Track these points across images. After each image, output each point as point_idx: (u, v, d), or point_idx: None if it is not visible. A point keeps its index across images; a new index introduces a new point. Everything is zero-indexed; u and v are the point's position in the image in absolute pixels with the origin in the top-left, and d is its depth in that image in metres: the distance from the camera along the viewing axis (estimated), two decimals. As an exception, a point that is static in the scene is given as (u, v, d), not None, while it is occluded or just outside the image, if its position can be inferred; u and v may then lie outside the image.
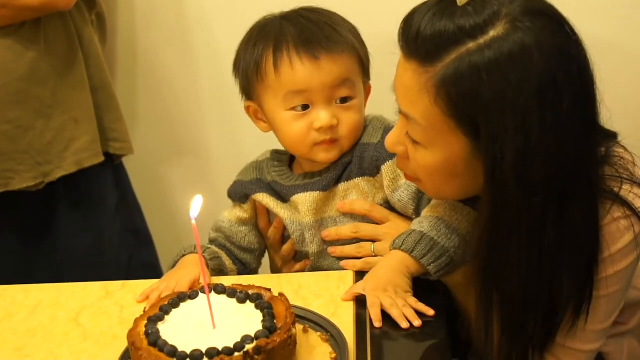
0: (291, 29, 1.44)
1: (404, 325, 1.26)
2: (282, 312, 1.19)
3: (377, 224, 1.48)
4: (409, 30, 1.18)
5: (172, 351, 1.11)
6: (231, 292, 1.23)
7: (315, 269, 1.52)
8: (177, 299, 1.23)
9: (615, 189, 1.22)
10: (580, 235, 1.19)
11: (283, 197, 1.53)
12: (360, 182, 1.47)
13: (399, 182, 1.44)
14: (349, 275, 1.42)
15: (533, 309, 1.23)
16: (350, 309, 1.32)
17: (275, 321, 1.16)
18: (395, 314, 1.27)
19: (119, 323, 1.34)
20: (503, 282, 1.21)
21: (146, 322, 1.18)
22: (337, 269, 1.48)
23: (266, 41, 1.46)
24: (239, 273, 1.56)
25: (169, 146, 2.29)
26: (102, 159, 1.95)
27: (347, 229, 1.49)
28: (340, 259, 1.49)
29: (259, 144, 2.21)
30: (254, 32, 1.50)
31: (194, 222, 1.15)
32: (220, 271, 1.52)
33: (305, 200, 1.49)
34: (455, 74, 1.13)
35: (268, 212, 1.58)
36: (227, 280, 1.33)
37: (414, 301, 1.30)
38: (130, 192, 2.14)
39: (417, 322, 1.26)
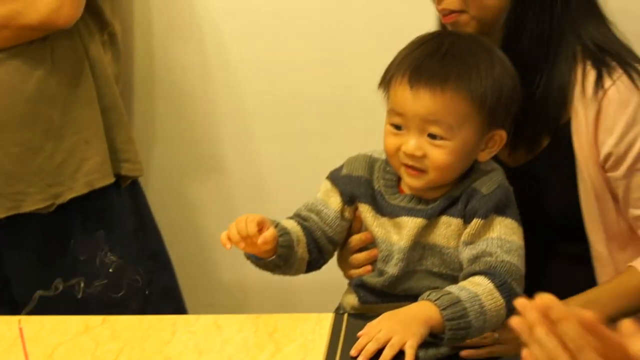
0: (419, 53, 1.43)
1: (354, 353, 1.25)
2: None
3: None
4: None
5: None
6: None
7: (388, 289, 1.46)
8: None
9: None
10: None
11: (382, 212, 1.48)
12: (457, 222, 1.43)
13: (473, 240, 1.40)
14: (327, 318, 1.37)
15: None
16: (320, 356, 1.27)
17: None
18: (369, 346, 1.25)
19: (89, 362, 1.31)
20: None
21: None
22: (413, 294, 1.41)
23: (403, 54, 1.46)
24: (310, 263, 1.48)
25: (187, 166, 2.26)
26: (112, 179, 1.92)
27: None
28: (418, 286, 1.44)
29: (276, 162, 2.20)
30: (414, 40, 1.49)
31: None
32: (286, 260, 1.43)
33: (409, 224, 1.44)
34: None
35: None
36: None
37: (409, 345, 1.25)
38: (148, 214, 2.09)
39: None
